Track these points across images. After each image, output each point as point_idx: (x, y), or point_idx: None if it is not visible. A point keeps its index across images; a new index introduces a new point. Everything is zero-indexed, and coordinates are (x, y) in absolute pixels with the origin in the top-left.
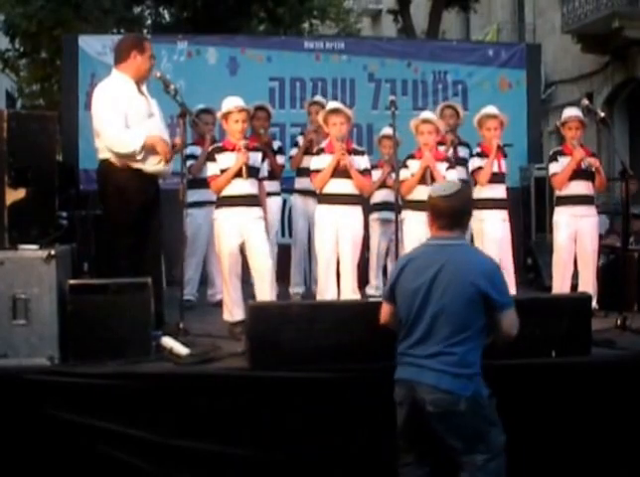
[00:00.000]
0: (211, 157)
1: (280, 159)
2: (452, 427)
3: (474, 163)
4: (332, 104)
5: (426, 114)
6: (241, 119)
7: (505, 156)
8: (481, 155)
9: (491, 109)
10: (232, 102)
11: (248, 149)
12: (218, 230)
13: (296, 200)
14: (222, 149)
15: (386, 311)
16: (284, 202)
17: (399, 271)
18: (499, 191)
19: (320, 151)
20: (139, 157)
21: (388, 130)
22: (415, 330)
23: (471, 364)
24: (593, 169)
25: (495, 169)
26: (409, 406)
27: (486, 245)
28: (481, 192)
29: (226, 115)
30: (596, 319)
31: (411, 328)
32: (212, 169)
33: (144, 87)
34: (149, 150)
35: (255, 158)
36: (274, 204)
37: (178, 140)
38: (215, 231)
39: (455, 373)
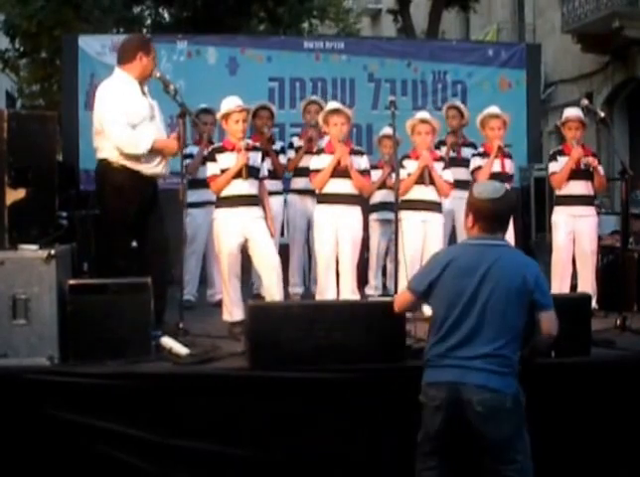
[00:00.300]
0: (211, 157)
1: (282, 159)
2: (498, 426)
3: (475, 162)
4: (332, 105)
5: (423, 114)
6: (242, 119)
7: (509, 157)
8: (482, 155)
9: (494, 109)
10: (232, 102)
11: (248, 149)
12: (217, 229)
13: (294, 199)
14: (222, 149)
15: (407, 300)
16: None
17: (442, 269)
18: None
19: (320, 151)
20: (144, 159)
21: (388, 130)
22: (459, 330)
23: (514, 362)
24: (591, 169)
25: (498, 169)
26: (452, 409)
27: None
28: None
29: (226, 116)
30: (596, 319)
31: (453, 328)
32: (212, 169)
33: (146, 88)
34: (153, 152)
35: (255, 158)
36: (277, 203)
37: (174, 137)
38: (214, 230)
39: (502, 372)
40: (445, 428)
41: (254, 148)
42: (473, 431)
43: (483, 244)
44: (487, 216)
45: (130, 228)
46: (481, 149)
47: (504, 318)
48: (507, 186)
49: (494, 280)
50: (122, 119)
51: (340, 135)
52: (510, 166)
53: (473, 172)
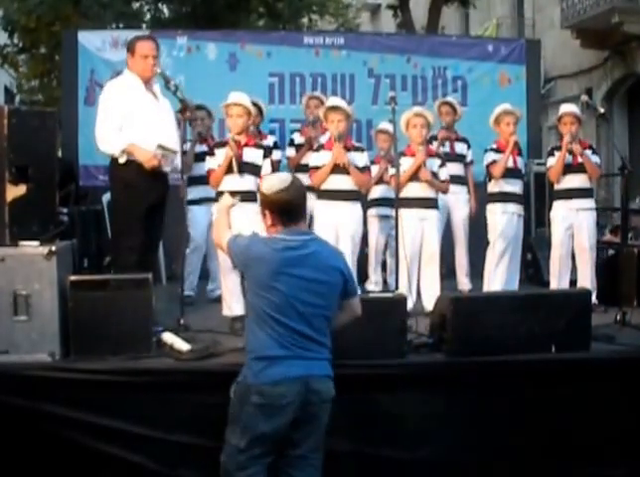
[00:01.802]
0: (211, 151)
1: (277, 154)
2: (327, 414)
3: (489, 157)
4: (332, 101)
5: (417, 108)
6: (236, 114)
7: (520, 154)
8: (496, 151)
9: (508, 106)
10: (230, 97)
11: (247, 145)
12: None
13: None
14: (222, 144)
15: (220, 243)
16: None
17: (253, 258)
18: (516, 186)
19: (320, 148)
20: (122, 161)
21: (383, 124)
22: (290, 327)
23: (330, 350)
24: (581, 159)
25: (511, 165)
26: (300, 404)
27: (499, 239)
28: (499, 186)
29: (225, 109)
30: (596, 314)
31: (284, 326)
32: (210, 163)
33: (156, 88)
34: (144, 162)
35: (255, 155)
36: None
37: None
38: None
39: (330, 360)
40: (285, 426)
41: (255, 145)
42: (307, 421)
43: (296, 240)
44: (285, 206)
45: (140, 223)
46: (494, 145)
47: (327, 306)
48: (519, 182)
49: (314, 275)
50: (108, 120)
51: (337, 132)
52: (520, 163)
53: (488, 166)
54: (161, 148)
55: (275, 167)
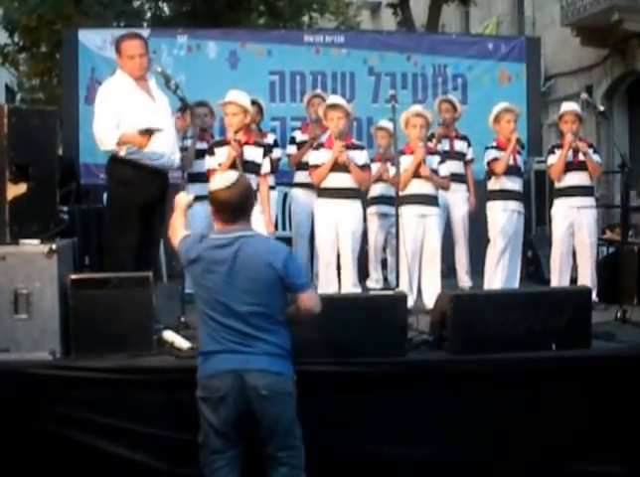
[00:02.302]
0: (210, 151)
1: (277, 152)
2: (282, 411)
3: (490, 154)
4: (332, 99)
5: (416, 108)
6: (231, 113)
7: (519, 153)
8: (497, 148)
9: (507, 104)
10: (227, 96)
11: (247, 144)
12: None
13: (297, 193)
14: (220, 143)
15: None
16: (284, 195)
17: (190, 261)
18: (516, 183)
19: (319, 146)
20: (122, 153)
21: (382, 122)
22: (227, 323)
23: (286, 347)
24: (584, 157)
25: (511, 162)
26: (237, 397)
27: (499, 237)
28: (499, 183)
29: (222, 108)
30: (596, 312)
31: (221, 322)
32: (210, 162)
33: (152, 84)
34: (136, 143)
35: (255, 153)
36: (272, 198)
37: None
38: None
39: (280, 355)
40: (231, 419)
41: (255, 143)
42: (258, 418)
43: (227, 238)
44: (223, 205)
45: (135, 222)
46: (494, 143)
47: (260, 306)
48: (519, 179)
49: (244, 272)
50: (104, 118)
51: (336, 130)
52: (520, 161)
53: (489, 164)
54: (145, 131)
55: (275, 165)
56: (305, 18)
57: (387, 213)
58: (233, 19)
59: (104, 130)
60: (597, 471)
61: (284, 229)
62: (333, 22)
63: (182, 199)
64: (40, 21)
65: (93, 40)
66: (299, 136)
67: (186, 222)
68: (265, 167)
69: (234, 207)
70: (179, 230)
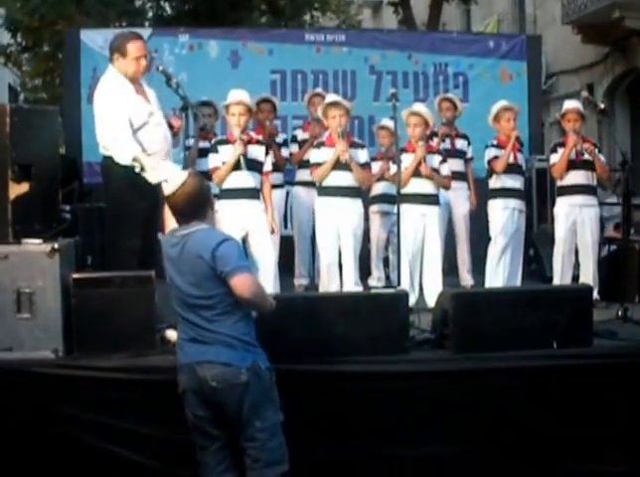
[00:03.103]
0: (214, 149)
1: (284, 152)
2: (234, 401)
3: (490, 153)
4: (330, 97)
5: (416, 107)
6: (238, 113)
7: (520, 150)
8: (497, 146)
9: (506, 102)
10: (232, 95)
11: (250, 142)
12: (218, 221)
13: (299, 192)
14: (224, 141)
15: None
16: (287, 194)
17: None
18: (517, 182)
19: (320, 144)
20: (137, 169)
21: (385, 121)
22: (184, 316)
23: (241, 336)
24: (591, 157)
25: (511, 160)
26: (193, 391)
27: (500, 235)
28: (500, 182)
29: (226, 108)
30: (598, 310)
31: (181, 315)
32: (213, 161)
33: (143, 82)
34: (146, 171)
35: (257, 152)
36: (279, 196)
37: (175, 122)
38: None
39: (231, 346)
40: (199, 413)
41: (258, 142)
42: (219, 410)
43: (178, 235)
44: (173, 208)
45: (141, 223)
46: (494, 141)
47: (209, 297)
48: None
49: (185, 267)
50: (118, 125)
51: (338, 128)
52: (521, 159)
53: (490, 162)
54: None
55: (284, 163)
56: (306, 17)
57: (389, 211)
58: (234, 18)
59: (125, 142)
60: (597, 470)
61: (286, 227)
62: (334, 21)
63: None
64: (42, 21)
65: (95, 39)
66: (300, 135)
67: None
68: (267, 165)
69: (182, 209)
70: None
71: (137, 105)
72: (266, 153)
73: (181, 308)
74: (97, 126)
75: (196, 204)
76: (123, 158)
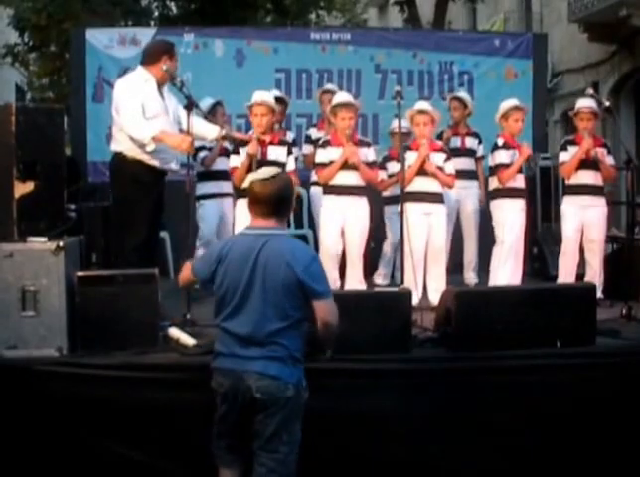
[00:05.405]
0: (235, 149)
1: (295, 151)
2: (273, 414)
3: (496, 158)
4: (341, 97)
5: (421, 105)
6: (260, 113)
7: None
8: (504, 146)
9: (516, 102)
10: (256, 96)
11: (272, 143)
12: (236, 219)
13: (317, 191)
14: (246, 143)
15: (191, 281)
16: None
17: (218, 259)
18: (518, 180)
19: (326, 144)
20: (149, 149)
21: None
22: (239, 319)
23: (294, 352)
24: (600, 162)
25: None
26: (235, 396)
27: (506, 234)
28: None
29: (250, 109)
30: (602, 309)
31: (233, 317)
32: (233, 161)
33: (165, 90)
34: (161, 146)
35: (279, 152)
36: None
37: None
38: (235, 220)
39: (282, 360)
40: (229, 414)
41: (281, 142)
42: (252, 418)
43: (254, 234)
44: (257, 198)
45: (146, 220)
46: (501, 140)
47: (277, 307)
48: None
49: (262, 269)
50: (137, 109)
51: (348, 131)
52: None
53: (496, 169)
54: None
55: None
56: (312, 16)
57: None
58: (239, 17)
59: (141, 122)
60: (600, 470)
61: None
62: (340, 19)
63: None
64: (49, 20)
65: (101, 39)
66: (315, 134)
67: None
68: (290, 164)
69: (268, 201)
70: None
71: (154, 98)
72: (289, 153)
73: (234, 313)
74: (114, 111)
75: (285, 199)
76: (143, 136)
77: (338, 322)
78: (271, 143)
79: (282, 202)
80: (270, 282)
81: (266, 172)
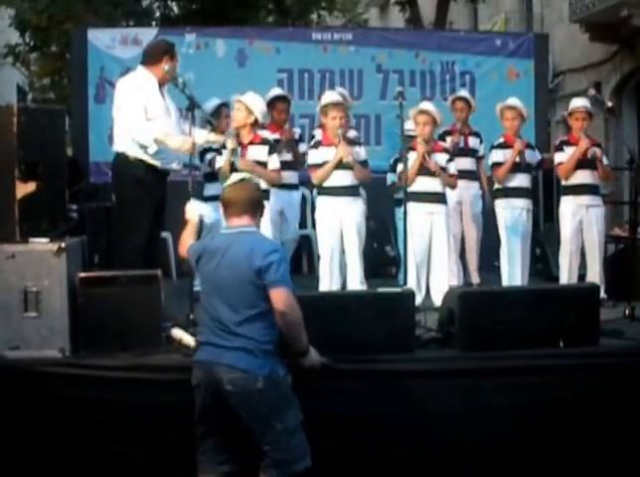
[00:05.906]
0: (219, 151)
1: (302, 147)
2: (251, 406)
3: (493, 156)
4: (330, 96)
5: (423, 105)
6: (236, 108)
7: (532, 147)
8: (503, 146)
9: (512, 101)
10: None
11: (251, 143)
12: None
13: None
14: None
15: (184, 254)
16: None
17: (199, 254)
18: (524, 181)
19: (317, 144)
20: (151, 151)
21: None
22: (213, 313)
23: (264, 343)
24: (597, 162)
25: (517, 159)
26: (208, 389)
27: (506, 234)
28: (505, 181)
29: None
30: (605, 309)
31: (210, 311)
32: (219, 161)
33: (165, 90)
34: (162, 146)
35: (258, 152)
36: (294, 197)
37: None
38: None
39: (251, 352)
40: (206, 409)
41: (261, 142)
42: (234, 414)
43: (228, 233)
44: (229, 202)
45: (148, 221)
46: (501, 140)
47: (242, 298)
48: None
49: (227, 264)
50: (139, 111)
51: (340, 130)
52: (531, 156)
53: (492, 168)
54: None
55: (301, 160)
56: (313, 16)
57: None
58: (241, 17)
59: (144, 123)
60: (604, 471)
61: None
62: (341, 20)
63: (192, 212)
64: (50, 21)
65: (102, 39)
66: (319, 135)
67: (195, 233)
68: (272, 163)
69: (237, 202)
70: (187, 240)
71: (156, 98)
72: (270, 152)
73: (210, 305)
74: (116, 110)
75: (252, 199)
76: (145, 138)
77: (299, 317)
78: (251, 143)
79: (251, 202)
80: (235, 274)
81: (234, 178)
